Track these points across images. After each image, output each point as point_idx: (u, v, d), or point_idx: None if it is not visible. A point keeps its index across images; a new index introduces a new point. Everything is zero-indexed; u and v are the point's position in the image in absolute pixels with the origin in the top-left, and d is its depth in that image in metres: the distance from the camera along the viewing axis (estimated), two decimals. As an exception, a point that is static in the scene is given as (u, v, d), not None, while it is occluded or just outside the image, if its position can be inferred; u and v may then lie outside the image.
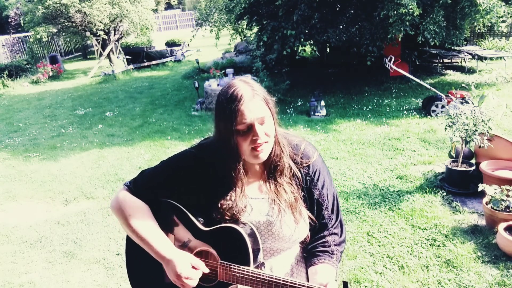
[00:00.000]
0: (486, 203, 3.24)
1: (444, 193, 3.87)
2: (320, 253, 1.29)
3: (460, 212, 3.55)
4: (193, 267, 1.23)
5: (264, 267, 1.22)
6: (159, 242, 1.25)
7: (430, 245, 3.15)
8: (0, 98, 10.79)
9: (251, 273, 1.18)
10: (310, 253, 1.32)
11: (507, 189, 3.24)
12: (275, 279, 1.15)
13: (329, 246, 1.30)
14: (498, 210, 3.13)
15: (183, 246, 1.30)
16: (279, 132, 1.29)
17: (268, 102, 1.20)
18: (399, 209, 3.68)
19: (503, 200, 3.15)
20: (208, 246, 1.27)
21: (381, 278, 2.82)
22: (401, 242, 3.21)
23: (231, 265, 1.21)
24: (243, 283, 1.19)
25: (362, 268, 2.94)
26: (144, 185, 1.32)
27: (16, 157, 6.06)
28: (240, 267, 1.20)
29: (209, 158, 1.27)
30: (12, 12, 19.08)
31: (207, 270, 1.24)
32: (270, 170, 1.28)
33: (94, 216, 4.07)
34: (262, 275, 1.16)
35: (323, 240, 1.31)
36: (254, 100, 1.16)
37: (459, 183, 3.89)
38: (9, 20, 19.01)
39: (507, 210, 3.12)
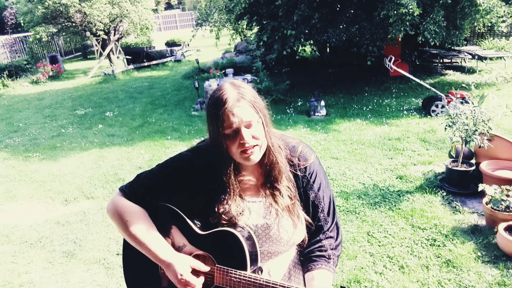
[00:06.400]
0: (486, 203, 3.24)
1: (444, 193, 3.86)
2: (317, 258, 1.27)
3: (460, 212, 3.55)
4: (193, 269, 1.22)
5: (261, 272, 1.21)
6: (159, 247, 1.24)
7: (430, 245, 3.15)
8: (0, 98, 10.79)
9: (248, 277, 1.17)
10: (306, 257, 1.30)
11: (507, 189, 3.24)
12: (272, 283, 1.14)
13: (326, 251, 1.28)
14: (498, 210, 3.13)
15: (180, 249, 1.29)
16: (274, 134, 1.27)
17: (256, 106, 1.18)
18: (399, 209, 3.68)
19: (503, 200, 3.15)
20: (204, 250, 1.26)
21: (381, 278, 2.82)
22: (401, 242, 3.21)
23: (228, 269, 1.20)
24: (240, 287, 1.18)
25: (362, 268, 2.94)
26: (140, 189, 1.31)
27: (16, 157, 6.06)
28: (237, 271, 1.19)
29: (205, 160, 1.26)
30: (7, 12, 19.03)
31: (207, 269, 1.24)
32: (266, 174, 1.27)
33: (94, 216, 4.07)
34: (259, 280, 1.16)
35: (320, 244, 1.29)
36: (240, 104, 1.14)
37: (459, 183, 3.89)
38: (5, 20, 18.98)
39: (507, 210, 3.12)
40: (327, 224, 1.30)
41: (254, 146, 1.17)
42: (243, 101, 1.15)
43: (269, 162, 1.24)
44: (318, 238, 1.30)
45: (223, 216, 1.23)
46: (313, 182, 1.29)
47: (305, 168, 1.29)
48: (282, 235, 1.25)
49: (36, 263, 3.39)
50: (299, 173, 1.28)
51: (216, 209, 1.23)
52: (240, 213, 1.24)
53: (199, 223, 1.28)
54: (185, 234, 1.29)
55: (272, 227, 1.25)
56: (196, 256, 1.27)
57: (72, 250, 3.51)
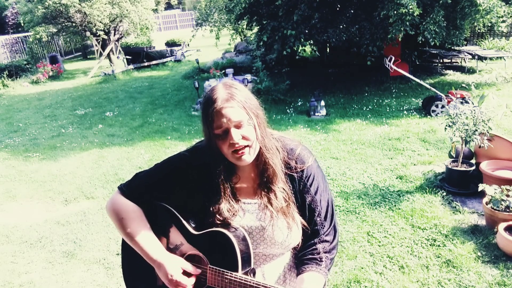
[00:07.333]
0: (486, 203, 3.24)
1: (444, 193, 3.86)
2: (308, 261, 1.26)
3: (460, 212, 3.55)
4: (184, 271, 1.22)
5: (254, 274, 1.21)
6: (151, 246, 1.25)
7: (430, 245, 3.15)
8: (0, 98, 10.79)
9: (239, 279, 1.17)
10: (299, 260, 1.30)
11: (507, 189, 3.24)
12: (262, 285, 1.14)
13: (318, 254, 1.26)
14: (498, 210, 3.13)
15: (175, 249, 1.30)
16: (273, 135, 1.27)
17: (247, 106, 1.17)
18: (399, 209, 3.68)
19: (503, 200, 3.15)
20: (198, 250, 1.26)
21: (381, 278, 2.82)
22: (401, 242, 3.21)
23: (220, 270, 1.20)
24: None
25: (362, 268, 2.94)
26: (138, 188, 1.32)
27: (16, 157, 6.06)
28: (228, 272, 1.19)
29: (203, 160, 1.26)
30: (9, 12, 19.09)
31: (198, 271, 1.24)
32: (261, 175, 1.27)
33: (94, 216, 4.07)
34: (250, 281, 1.16)
35: (313, 247, 1.28)
36: (229, 104, 1.15)
37: (459, 183, 3.88)
38: (7, 20, 19.04)
39: (507, 210, 3.12)
40: (323, 228, 1.29)
41: (245, 146, 1.17)
42: (233, 101, 1.15)
43: (261, 163, 1.24)
44: (313, 241, 1.28)
45: (217, 216, 1.23)
46: (310, 185, 1.28)
47: (302, 171, 1.27)
48: (277, 237, 1.24)
49: (36, 263, 3.39)
50: (295, 176, 1.27)
51: (211, 209, 1.24)
52: (234, 214, 1.24)
53: (194, 224, 1.28)
54: (180, 234, 1.29)
55: (266, 229, 1.24)
56: (190, 256, 1.28)
57: (72, 250, 3.51)
